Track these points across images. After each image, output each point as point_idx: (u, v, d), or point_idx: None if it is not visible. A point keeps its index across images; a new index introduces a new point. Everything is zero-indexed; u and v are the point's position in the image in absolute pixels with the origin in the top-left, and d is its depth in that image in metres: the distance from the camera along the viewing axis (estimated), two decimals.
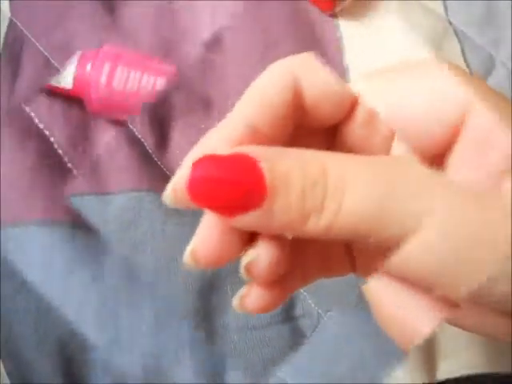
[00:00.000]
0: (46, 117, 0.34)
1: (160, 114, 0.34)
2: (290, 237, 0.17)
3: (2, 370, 0.29)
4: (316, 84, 0.18)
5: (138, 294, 0.30)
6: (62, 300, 0.29)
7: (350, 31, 0.38)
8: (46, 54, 0.35)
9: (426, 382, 0.30)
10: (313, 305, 0.32)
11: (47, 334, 0.29)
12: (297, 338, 0.31)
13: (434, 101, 0.18)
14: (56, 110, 0.34)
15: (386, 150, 0.19)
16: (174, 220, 0.31)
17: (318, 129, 0.20)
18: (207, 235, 0.17)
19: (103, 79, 0.32)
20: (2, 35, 0.35)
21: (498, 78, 0.37)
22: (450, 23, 0.39)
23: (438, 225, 0.16)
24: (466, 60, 0.38)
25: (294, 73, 0.18)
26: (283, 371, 0.30)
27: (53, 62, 0.35)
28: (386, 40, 0.38)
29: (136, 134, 0.34)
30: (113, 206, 0.32)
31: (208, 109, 0.35)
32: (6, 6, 0.36)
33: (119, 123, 0.34)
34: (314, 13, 0.39)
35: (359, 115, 0.19)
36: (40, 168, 0.32)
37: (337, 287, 0.31)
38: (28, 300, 0.29)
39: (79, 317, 0.29)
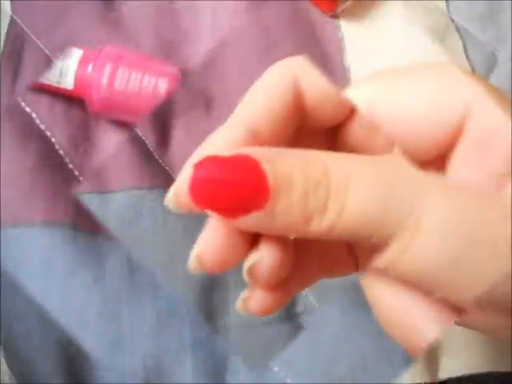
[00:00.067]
0: (47, 117, 0.34)
1: (161, 113, 0.34)
2: (292, 238, 0.17)
3: (4, 369, 0.29)
4: (316, 85, 0.18)
5: (140, 295, 0.30)
6: (63, 301, 0.29)
7: (351, 32, 0.38)
8: (47, 52, 0.35)
9: (428, 381, 0.29)
10: (314, 302, 0.32)
11: (49, 334, 0.29)
12: (297, 334, 0.31)
13: (435, 103, 0.18)
14: (57, 111, 0.34)
15: (388, 150, 0.19)
16: (176, 218, 0.31)
17: (319, 130, 0.20)
18: (212, 239, 0.17)
19: (104, 80, 0.32)
20: (3, 33, 0.35)
21: (500, 75, 0.37)
22: (452, 20, 0.39)
23: (437, 226, 0.16)
24: (468, 57, 0.38)
25: (294, 74, 0.18)
26: (283, 371, 0.30)
27: (54, 60, 0.35)
28: (388, 41, 0.38)
29: (137, 132, 0.34)
30: (114, 204, 0.32)
31: (209, 107, 0.35)
32: (7, 4, 0.36)
33: (120, 123, 0.34)
34: (315, 13, 0.39)
35: (360, 116, 0.19)
36: (41, 169, 0.32)
37: (338, 286, 0.31)
38: (29, 301, 0.29)
39: (81, 318, 0.29)
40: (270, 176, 0.16)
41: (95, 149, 0.34)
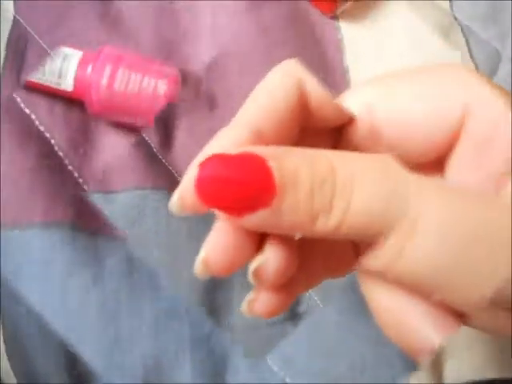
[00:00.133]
0: (46, 119, 0.34)
1: (164, 113, 0.34)
2: (298, 237, 0.17)
3: (5, 368, 0.29)
4: (320, 85, 0.18)
5: (139, 296, 0.30)
6: (62, 302, 0.29)
7: (350, 33, 0.38)
8: (50, 52, 0.35)
9: (433, 382, 0.30)
10: (318, 302, 0.32)
11: (50, 334, 0.29)
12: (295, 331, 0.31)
13: (434, 105, 0.18)
14: (57, 112, 0.34)
15: (392, 149, 0.19)
16: (179, 219, 0.31)
17: (323, 129, 0.20)
18: (218, 242, 0.17)
19: (104, 81, 0.32)
20: (6, 33, 0.35)
21: (504, 73, 0.37)
22: (455, 18, 0.39)
23: (433, 228, 0.16)
24: (471, 55, 0.38)
25: (298, 75, 0.18)
26: (282, 370, 0.30)
27: (48, 58, 0.35)
28: (387, 42, 0.38)
29: (141, 132, 0.34)
30: (117, 204, 0.32)
31: (212, 108, 0.35)
32: (10, 4, 0.36)
33: (120, 125, 0.34)
34: (315, 14, 0.39)
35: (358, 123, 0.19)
36: (40, 170, 0.32)
37: (337, 286, 0.31)
38: (29, 301, 0.29)
39: (80, 318, 0.29)
40: (276, 174, 0.16)
41: (95, 150, 0.34)
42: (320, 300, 0.32)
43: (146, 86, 0.32)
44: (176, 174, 0.33)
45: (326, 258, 0.20)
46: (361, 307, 0.31)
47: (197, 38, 0.37)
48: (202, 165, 0.16)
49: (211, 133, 0.18)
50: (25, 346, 0.29)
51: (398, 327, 0.18)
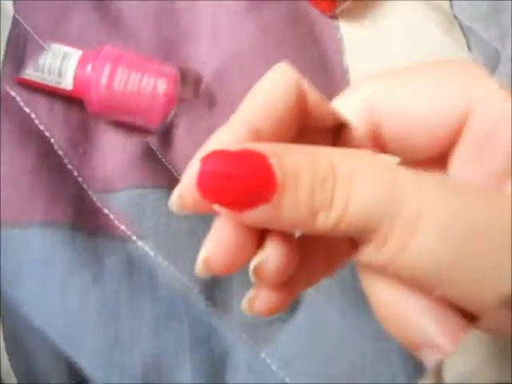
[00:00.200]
0: (46, 118, 0.33)
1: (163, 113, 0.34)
2: (298, 235, 0.17)
3: (6, 368, 0.29)
4: (314, 88, 0.18)
5: (139, 296, 0.30)
6: (62, 301, 0.29)
7: (350, 32, 0.38)
8: (45, 48, 0.35)
9: (433, 382, 0.30)
10: (318, 300, 0.32)
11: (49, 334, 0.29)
12: (298, 333, 0.31)
13: (436, 101, 0.18)
14: (56, 111, 0.34)
15: (393, 146, 0.19)
16: (179, 217, 0.31)
17: (322, 128, 0.20)
18: (219, 241, 0.17)
19: (103, 80, 0.32)
20: (6, 33, 0.35)
21: (503, 73, 0.37)
22: (456, 18, 0.39)
23: (434, 223, 0.16)
24: (471, 55, 0.38)
25: (296, 74, 0.18)
26: (282, 370, 0.30)
27: (41, 55, 0.35)
28: (387, 41, 0.38)
29: (142, 132, 0.34)
30: (117, 203, 0.32)
31: (211, 106, 0.35)
32: (9, 4, 0.36)
33: (120, 124, 0.34)
34: (314, 14, 0.39)
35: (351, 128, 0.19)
36: (40, 169, 0.32)
37: (337, 286, 0.31)
38: (28, 300, 0.29)
39: (79, 318, 0.29)
40: (277, 170, 0.16)
41: (94, 149, 0.34)
42: (319, 299, 0.32)
43: (146, 85, 0.32)
44: (175, 173, 0.33)
45: (326, 253, 0.20)
46: (360, 305, 0.31)
47: (197, 37, 0.37)
48: (204, 160, 0.16)
49: (210, 131, 0.18)
50: (25, 345, 0.29)
51: (398, 322, 0.18)
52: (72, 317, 0.29)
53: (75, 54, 0.33)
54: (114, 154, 0.33)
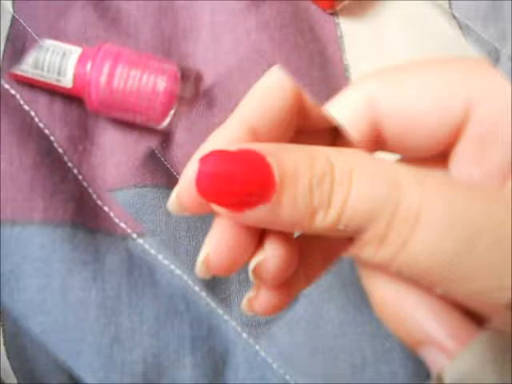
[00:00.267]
0: (45, 116, 0.33)
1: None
2: (297, 235, 0.17)
3: (5, 368, 0.29)
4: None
5: (139, 294, 0.30)
6: (62, 299, 0.29)
7: (350, 30, 0.38)
8: (40, 42, 0.35)
9: (433, 382, 0.30)
10: (317, 298, 0.32)
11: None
12: (299, 331, 0.31)
13: (437, 99, 0.18)
14: (56, 109, 0.34)
15: (393, 144, 0.19)
16: (178, 216, 0.32)
17: (320, 128, 0.20)
18: (218, 242, 0.17)
19: (103, 78, 0.32)
20: (6, 32, 0.35)
21: (502, 72, 0.37)
22: (454, 17, 0.38)
23: (436, 219, 0.16)
24: (470, 54, 0.38)
25: (290, 79, 0.18)
26: (282, 368, 0.30)
27: (34, 52, 0.35)
28: (388, 39, 0.38)
29: (139, 129, 0.34)
30: (117, 201, 0.32)
31: (211, 105, 0.35)
32: (8, 3, 0.36)
33: (119, 121, 0.34)
34: (315, 11, 0.38)
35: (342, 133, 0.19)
36: (40, 167, 0.32)
37: (336, 283, 0.31)
38: (28, 299, 0.29)
39: (79, 316, 0.29)
40: (275, 170, 0.16)
41: (94, 147, 0.34)
42: (318, 298, 0.32)
43: (146, 82, 0.32)
44: (175, 172, 0.33)
45: (324, 250, 0.20)
46: (360, 303, 0.31)
47: (196, 35, 0.37)
48: (202, 160, 0.16)
49: (210, 130, 0.18)
50: (25, 345, 0.29)
51: (398, 319, 0.18)
52: (72, 315, 0.29)
53: (75, 52, 0.33)
54: (114, 152, 0.33)
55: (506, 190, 0.17)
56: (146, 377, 0.29)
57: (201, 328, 0.30)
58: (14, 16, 0.36)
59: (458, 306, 0.17)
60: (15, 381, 0.29)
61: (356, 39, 0.38)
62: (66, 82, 0.33)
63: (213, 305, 0.31)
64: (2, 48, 0.34)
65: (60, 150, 0.33)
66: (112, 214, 0.32)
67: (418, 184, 0.16)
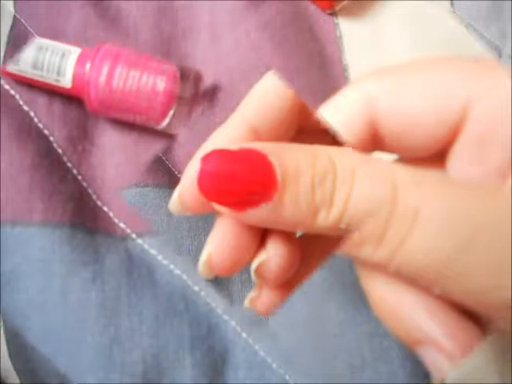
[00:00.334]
0: (45, 116, 0.33)
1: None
2: (299, 234, 0.17)
3: (7, 367, 0.29)
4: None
5: (138, 294, 0.30)
6: (62, 300, 0.29)
7: (349, 30, 0.38)
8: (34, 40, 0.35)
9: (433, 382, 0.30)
10: (316, 297, 0.32)
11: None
12: (299, 331, 0.31)
13: (436, 98, 0.18)
14: (55, 110, 0.34)
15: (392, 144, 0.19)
16: (180, 216, 0.32)
17: (321, 128, 0.20)
18: (220, 242, 0.17)
19: (102, 78, 0.32)
20: (7, 32, 0.35)
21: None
22: (456, 17, 0.38)
23: (435, 218, 0.16)
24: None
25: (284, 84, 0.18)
26: (282, 368, 0.30)
27: (24, 50, 0.35)
28: (387, 39, 0.38)
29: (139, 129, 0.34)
30: (117, 201, 0.32)
31: (211, 104, 0.35)
32: (10, 4, 0.36)
33: (119, 122, 0.34)
34: (314, 11, 0.39)
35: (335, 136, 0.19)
36: (39, 168, 0.32)
37: (336, 283, 0.32)
38: (29, 300, 0.29)
39: (79, 316, 0.29)
40: (277, 169, 0.16)
41: (94, 147, 0.34)
42: (319, 296, 0.32)
43: (145, 82, 0.32)
44: (176, 172, 0.33)
45: (324, 244, 0.20)
46: (359, 302, 0.31)
47: (195, 35, 0.37)
48: (204, 160, 0.16)
49: (211, 131, 0.18)
50: (26, 345, 0.29)
51: (397, 319, 0.18)
52: (72, 316, 0.29)
53: (74, 52, 0.33)
54: (113, 152, 0.33)
55: (504, 188, 0.17)
56: (146, 377, 0.29)
57: (200, 327, 0.30)
58: (15, 16, 0.36)
59: (457, 305, 0.18)
60: (17, 381, 0.29)
61: (355, 39, 0.38)
62: (66, 82, 0.33)
63: (212, 304, 0.31)
64: (3, 47, 0.34)
65: (59, 151, 0.33)
66: (111, 214, 0.32)
67: (415, 184, 0.16)
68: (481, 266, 0.16)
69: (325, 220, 0.16)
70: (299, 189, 0.16)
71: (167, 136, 0.34)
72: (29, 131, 0.33)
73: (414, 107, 0.18)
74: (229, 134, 0.17)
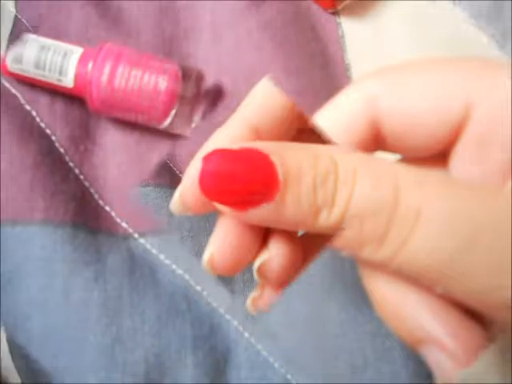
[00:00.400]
0: (47, 116, 0.33)
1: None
2: (301, 234, 0.17)
3: (9, 367, 0.29)
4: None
5: (140, 293, 0.30)
6: (63, 300, 0.29)
7: (352, 29, 0.38)
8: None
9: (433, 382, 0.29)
10: (318, 297, 0.32)
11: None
12: (300, 331, 0.31)
13: (437, 99, 0.18)
14: (57, 109, 0.34)
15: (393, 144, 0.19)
16: (182, 216, 0.32)
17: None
18: (223, 242, 0.17)
19: (104, 78, 0.32)
20: (8, 32, 0.35)
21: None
22: (458, 16, 0.38)
23: (436, 217, 0.16)
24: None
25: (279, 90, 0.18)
26: (284, 368, 0.30)
27: (16, 47, 0.35)
28: (389, 38, 0.38)
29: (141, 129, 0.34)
30: (118, 200, 0.32)
31: (213, 104, 0.35)
32: (11, 3, 0.36)
33: (121, 121, 0.34)
34: (316, 10, 0.38)
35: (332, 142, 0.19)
36: (41, 167, 0.32)
37: (337, 283, 0.31)
38: (30, 299, 0.29)
39: (81, 316, 0.29)
40: (279, 168, 0.16)
41: (96, 147, 0.34)
42: (321, 295, 0.32)
43: (147, 82, 0.32)
44: (177, 172, 0.33)
45: (323, 237, 0.20)
46: (361, 302, 0.31)
47: (197, 35, 0.37)
48: (205, 159, 0.16)
49: (212, 130, 0.18)
50: (27, 345, 0.29)
51: (399, 318, 0.18)
52: (74, 315, 0.29)
53: (76, 52, 0.33)
54: (115, 151, 0.33)
55: (506, 188, 0.17)
56: (148, 377, 0.29)
57: (202, 327, 0.30)
58: (16, 16, 0.36)
59: (459, 305, 0.17)
60: (19, 380, 0.29)
61: (357, 39, 0.38)
62: (68, 81, 0.33)
63: (214, 304, 0.31)
64: (4, 48, 0.34)
65: (61, 150, 0.33)
66: (113, 214, 0.32)
67: (417, 184, 0.16)
68: (482, 266, 0.16)
69: (326, 220, 0.16)
70: (301, 189, 0.16)
71: (169, 135, 0.34)
72: (31, 131, 0.33)
73: (415, 107, 0.18)
74: (230, 133, 0.18)
